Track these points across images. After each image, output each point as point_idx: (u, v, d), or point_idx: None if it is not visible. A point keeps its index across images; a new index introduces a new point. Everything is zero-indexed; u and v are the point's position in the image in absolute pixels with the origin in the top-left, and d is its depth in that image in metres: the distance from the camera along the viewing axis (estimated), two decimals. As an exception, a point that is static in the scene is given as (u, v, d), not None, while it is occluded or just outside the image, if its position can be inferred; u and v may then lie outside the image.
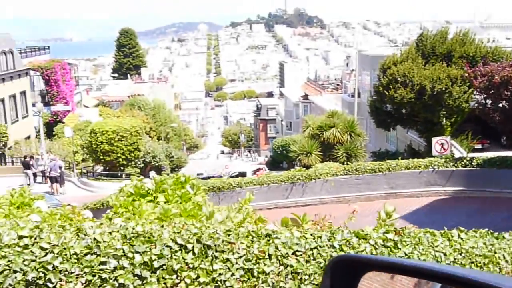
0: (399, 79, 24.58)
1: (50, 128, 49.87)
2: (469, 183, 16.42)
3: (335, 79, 79.04)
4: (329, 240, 4.62)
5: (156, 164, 62.51)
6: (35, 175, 34.09)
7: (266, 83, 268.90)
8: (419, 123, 26.08)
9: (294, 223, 6.69)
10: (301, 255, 4.47)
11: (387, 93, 25.13)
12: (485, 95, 17.86)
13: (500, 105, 16.82)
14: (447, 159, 16.87)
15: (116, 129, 32.16)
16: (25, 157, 37.12)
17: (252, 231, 4.37)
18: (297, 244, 4.51)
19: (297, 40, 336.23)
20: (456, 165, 16.58)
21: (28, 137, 45.55)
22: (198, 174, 49.42)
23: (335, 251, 4.48)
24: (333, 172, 17.69)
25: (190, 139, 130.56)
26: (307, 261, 4.48)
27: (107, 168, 33.93)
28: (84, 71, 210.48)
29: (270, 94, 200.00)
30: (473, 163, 16.51)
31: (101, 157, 32.32)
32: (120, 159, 32.52)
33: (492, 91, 16.63)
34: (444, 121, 25.65)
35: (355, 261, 2.03)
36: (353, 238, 4.60)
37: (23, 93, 47.72)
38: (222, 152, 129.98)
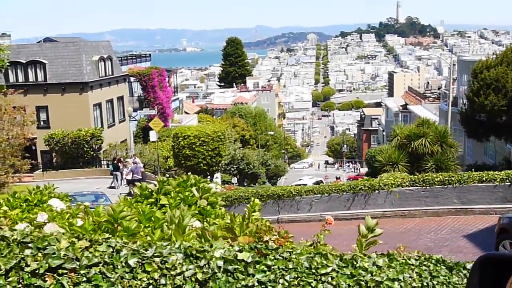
0: (491, 84, 22.41)
1: (146, 133, 51.02)
2: None
3: (438, 88, 75.32)
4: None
5: (250, 172, 62.50)
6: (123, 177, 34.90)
7: (374, 94, 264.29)
8: (513, 133, 23.69)
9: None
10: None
11: (477, 100, 23.00)
12: None
13: None
14: None
15: (198, 134, 31.96)
16: (113, 159, 38.01)
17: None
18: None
19: (408, 49, 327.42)
20: None
21: (124, 141, 46.74)
22: (299, 180, 48.54)
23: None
24: (398, 183, 16.10)
25: (293, 148, 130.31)
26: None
27: (190, 173, 33.85)
28: (192, 80, 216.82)
29: (377, 105, 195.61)
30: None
31: (183, 161, 32.25)
32: (202, 164, 32.25)
33: None
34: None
35: (506, 260, 1.95)
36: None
37: (120, 98, 49.16)
38: (327, 162, 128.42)
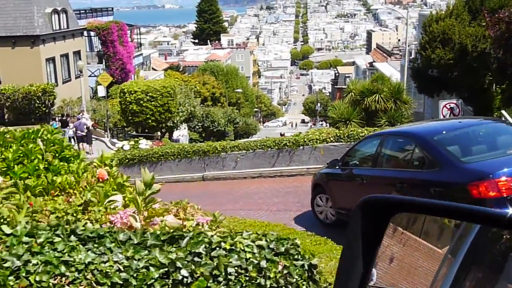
0: (438, 37, 21.45)
1: (106, 90, 49.62)
2: None
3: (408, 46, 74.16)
4: None
5: (216, 129, 61.48)
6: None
7: (353, 53, 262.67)
8: (463, 90, 22.83)
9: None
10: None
11: (423, 54, 22.08)
12: (501, 49, 14.23)
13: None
14: None
15: (146, 89, 30.78)
16: (62, 115, 36.75)
17: None
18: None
19: (388, 8, 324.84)
20: None
21: (81, 97, 45.31)
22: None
23: None
24: (323, 138, 15.22)
25: (267, 106, 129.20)
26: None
27: (139, 129, 32.76)
28: (168, 38, 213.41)
29: (354, 63, 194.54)
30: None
31: (130, 117, 31.14)
32: (150, 121, 31.17)
33: (509, 42, 13.12)
34: (494, 87, 22.31)
35: (385, 202, 2.02)
36: None
37: (77, 53, 47.46)
38: (303, 121, 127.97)
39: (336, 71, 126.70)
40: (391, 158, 9.24)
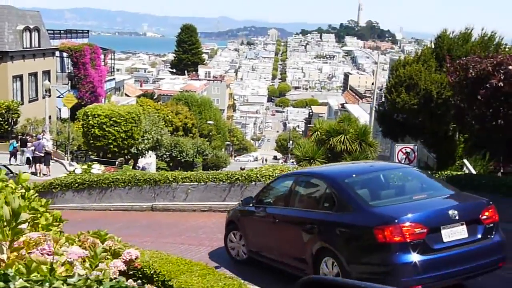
0: (404, 82, 21.35)
1: (74, 112, 48.78)
2: None
3: (380, 90, 74.97)
4: None
5: (183, 160, 60.73)
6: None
7: (329, 93, 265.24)
8: (427, 136, 22.69)
9: None
10: None
11: (389, 97, 21.94)
12: (459, 96, 14.03)
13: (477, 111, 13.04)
14: None
15: (110, 114, 30.14)
16: (22, 134, 35.81)
17: None
18: None
19: (366, 53, 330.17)
20: None
21: (49, 118, 44.32)
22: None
23: None
24: (276, 175, 14.79)
25: (239, 140, 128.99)
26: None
27: (101, 154, 31.97)
28: (144, 65, 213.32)
29: (328, 104, 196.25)
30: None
31: (92, 141, 30.39)
32: (112, 146, 30.46)
33: (466, 90, 12.95)
34: (457, 135, 22.19)
35: (324, 283, 2.21)
36: None
37: (47, 72, 46.72)
38: (275, 157, 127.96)
39: (310, 110, 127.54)
40: (303, 198, 9.26)
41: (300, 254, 8.45)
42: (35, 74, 44.36)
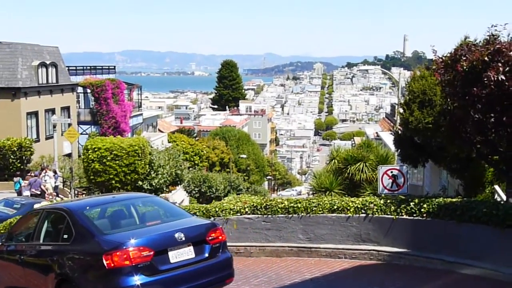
0: (417, 97, 18.50)
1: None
2: (414, 243, 10.07)
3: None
4: None
5: (213, 195, 58.46)
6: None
7: (377, 125, 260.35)
8: (449, 159, 19.60)
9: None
10: None
11: (401, 116, 19.11)
12: (452, 99, 10.79)
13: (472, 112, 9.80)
14: (390, 201, 10.61)
15: (111, 147, 28.09)
16: (28, 171, 34.26)
17: None
18: None
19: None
20: (399, 210, 10.31)
21: (68, 155, 42.89)
22: None
23: None
24: (238, 209, 12.16)
25: (282, 174, 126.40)
26: None
27: (103, 190, 29.88)
28: (185, 102, 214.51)
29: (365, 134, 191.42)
30: (422, 210, 10.28)
31: (92, 177, 28.36)
32: (113, 181, 28.32)
33: (458, 89, 9.83)
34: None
35: None
36: None
37: (66, 108, 45.58)
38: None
39: (353, 142, 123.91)
40: (46, 232, 9.13)
41: None
42: (52, 110, 43.13)
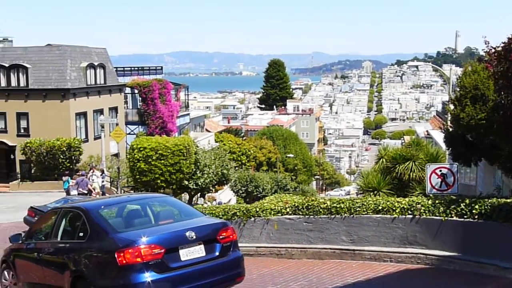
0: (469, 93, 17.66)
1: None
2: (465, 247, 9.36)
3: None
4: None
5: (259, 195, 58.14)
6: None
7: (428, 124, 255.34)
8: (503, 157, 18.65)
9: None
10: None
11: (452, 112, 18.28)
12: (504, 88, 9.88)
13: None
14: (439, 202, 9.92)
15: (156, 147, 28.10)
16: (76, 171, 34.66)
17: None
18: None
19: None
20: (448, 212, 9.61)
21: (116, 155, 43.38)
22: None
23: None
24: (279, 209, 11.69)
25: (330, 174, 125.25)
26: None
27: (149, 189, 29.92)
28: (233, 102, 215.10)
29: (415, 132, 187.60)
30: (473, 211, 9.65)
31: (138, 176, 28.42)
32: (159, 181, 28.32)
33: None
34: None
35: None
36: None
37: (114, 109, 46.07)
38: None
39: (403, 140, 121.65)
40: (63, 231, 9.31)
41: (60, 286, 8.68)
42: (100, 111, 43.67)
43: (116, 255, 7.64)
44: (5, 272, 10.72)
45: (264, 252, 11.71)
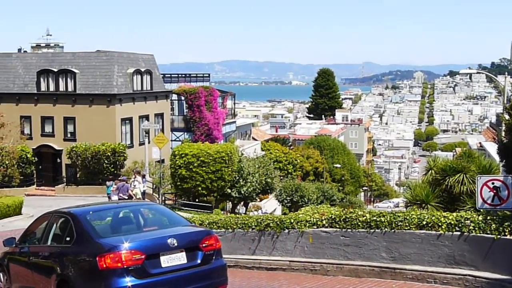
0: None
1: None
2: None
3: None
4: None
5: (305, 205, 57.18)
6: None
7: (481, 136, 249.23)
8: None
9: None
10: None
11: (506, 122, 17.12)
12: None
13: None
14: (491, 218, 8.92)
15: (197, 153, 27.72)
16: (117, 176, 34.54)
17: None
18: None
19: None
20: (501, 229, 8.59)
21: (162, 161, 43.34)
22: None
23: None
24: (314, 221, 10.87)
25: (378, 186, 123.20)
26: None
27: (190, 197, 29.55)
28: (281, 111, 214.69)
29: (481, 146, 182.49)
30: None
31: (179, 183, 28.08)
32: (200, 188, 27.91)
33: None
34: None
35: None
36: None
37: (160, 115, 46.07)
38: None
39: (454, 153, 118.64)
40: (52, 235, 9.42)
41: None
42: (146, 117, 43.69)
43: (97, 260, 7.77)
44: (0, 275, 10.93)
45: (298, 266, 10.95)
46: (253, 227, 12.01)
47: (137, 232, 8.70)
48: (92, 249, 8.04)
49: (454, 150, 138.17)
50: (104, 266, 7.71)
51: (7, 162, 32.20)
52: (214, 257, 8.49)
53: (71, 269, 8.30)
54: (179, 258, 8.12)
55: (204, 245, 8.41)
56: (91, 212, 9.20)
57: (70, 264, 8.36)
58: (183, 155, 27.84)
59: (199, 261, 8.28)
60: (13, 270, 10.42)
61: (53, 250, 9.05)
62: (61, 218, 9.45)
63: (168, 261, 8.01)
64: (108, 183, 33.00)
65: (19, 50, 56.61)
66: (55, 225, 9.56)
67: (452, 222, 9.32)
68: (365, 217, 10.25)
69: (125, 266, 7.69)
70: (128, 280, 7.67)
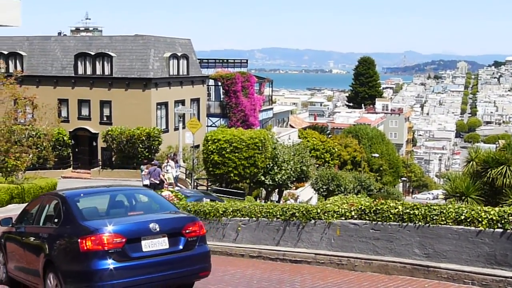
0: None
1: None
2: None
3: None
4: None
5: (341, 194, 56.34)
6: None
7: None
8: None
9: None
10: None
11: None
12: None
13: None
14: None
15: (230, 139, 27.22)
16: (151, 160, 34.38)
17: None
18: None
19: None
20: None
21: (197, 146, 43.08)
22: None
23: None
24: (342, 212, 10.18)
25: (418, 176, 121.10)
26: None
27: (223, 183, 29.10)
28: (321, 99, 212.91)
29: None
30: None
31: (211, 168, 27.66)
32: (232, 174, 27.44)
33: None
34: None
35: None
36: None
37: (196, 100, 45.76)
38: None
39: (497, 145, 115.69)
40: (43, 217, 9.53)
41: (36, 271, 8.92)
42: (182, 102, 43.44)
43: (79, 241, 7.86)
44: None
45: (323, 260, 10.31)
46: (278, 216, 11.41)
47: (122, 216, 8.81)
48: (76, 231, 8.13)
49: (497, 142, 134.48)
50: (85, 248, 7.80)
51: (44, 144, 32.31)
52: (197, 244, 8.49)
53: (56, 250, 8.42)
54: (161, 243, 8.16)
55: (187, 231, 8.41)
56: (82, 195, 9.31)
57: (55, 245, 8.48)
58: (215, 140, 27.41)
59: (181, 247, 8.31)
60: (9, 249, 10.57)
61: (44, 231, 9.16)
62: (54, 200, 9.54)
63: (149, 245, 8.08)
64: (142, 167, 32.92)
65: (59, 33, 57.08)
66: (47, 206, 9.65)
67: (494, 218, 8.52)
68: (397, 209, 9.53)
69: (106, 249, 7.78)
70: (110, 263, 7.76)
